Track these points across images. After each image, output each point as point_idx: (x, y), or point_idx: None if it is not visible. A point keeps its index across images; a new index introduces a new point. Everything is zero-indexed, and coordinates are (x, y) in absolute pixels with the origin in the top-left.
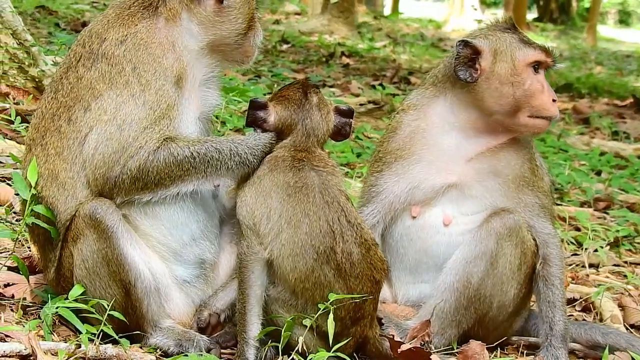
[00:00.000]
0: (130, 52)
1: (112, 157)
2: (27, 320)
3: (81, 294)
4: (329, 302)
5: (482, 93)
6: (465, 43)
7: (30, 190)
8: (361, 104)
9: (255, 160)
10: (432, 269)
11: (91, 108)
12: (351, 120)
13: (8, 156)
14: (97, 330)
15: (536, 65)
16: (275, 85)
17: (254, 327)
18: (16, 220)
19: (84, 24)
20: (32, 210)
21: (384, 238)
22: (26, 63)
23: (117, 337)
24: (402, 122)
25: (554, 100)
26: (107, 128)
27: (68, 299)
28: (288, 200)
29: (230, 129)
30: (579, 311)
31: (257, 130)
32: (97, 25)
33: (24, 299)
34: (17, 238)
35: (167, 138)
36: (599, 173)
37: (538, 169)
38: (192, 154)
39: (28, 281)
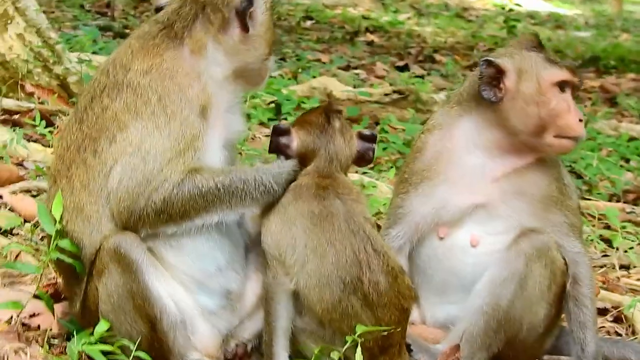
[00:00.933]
0: (155, 82)
1: (136, 190)
2: (52, 354)
3: (107, 329)
4: (356, 333)
5: (507, 113)
6: (489, 62)
7: (55, 225)
8: (386, 94)
9: (279, 189)
10: (460, 290)
11: (116, 140)
12: (374, 145)
13: (34, 161)
14: None
15: (562, 85)
16: (300, 70)
17: (281, 359)
18: (41, 239)
19: (108, 5)
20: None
21: (411, 259)
22: (50, 61)
23: None
24: (428, 143)
25: (580, 120)
26: (132, 160)
27: (93, 334)
28: (313, 230)
29: (255, 124)
30: (610, 322)
31: (281, 157)
32: (121, 54)
33: (50, 329)
34: (42, 269)
35: (191, 170)
36: (628, 160)
37: (566, 188)
38: (217, 185)
39: (53, 314)
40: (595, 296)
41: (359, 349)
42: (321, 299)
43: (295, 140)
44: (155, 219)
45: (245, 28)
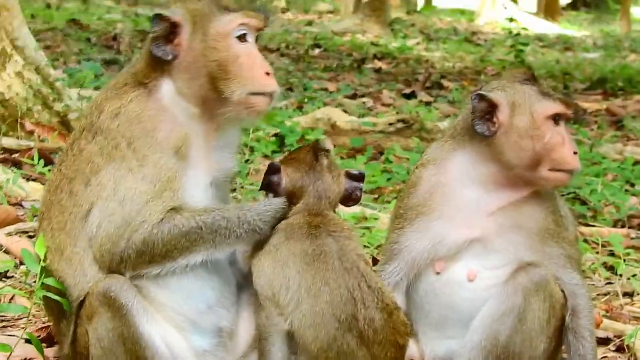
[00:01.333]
0: (123, 126)
1: (116, 233)
2: None
3: None
4: None
5: (501, 147)
6: (481, 97)
7: (39, 264)
8: (390, 124)
9: (265, 227)
10: (459, 325)
11: (91, 183)
12: (362, 184)
13: (32, 201)
14: None
15: (556, 118)
16: (306, 101)
17: None
18: (34, 282)
19: (115, 38)
20: (43, 283)
21: (408, 294)
22: (50, 98)
23: None
24: (422, 177)
25: (575, 153)
26: (109, 204)
27: None
28: (307, 269)
29: (259, 156)
30: (613, 351)
31: (270, 194)
32: (100, 95)
33: None
34: (30, 308)
35: (171, 209)
36: (633, 185)
37: (562, 220)
38: (198, 223)
39: (43, 357)
40: (594, 328)
41: None
42: (316, 338)
43: (284, 178)
44: (137, 260)
45: (167, 57)
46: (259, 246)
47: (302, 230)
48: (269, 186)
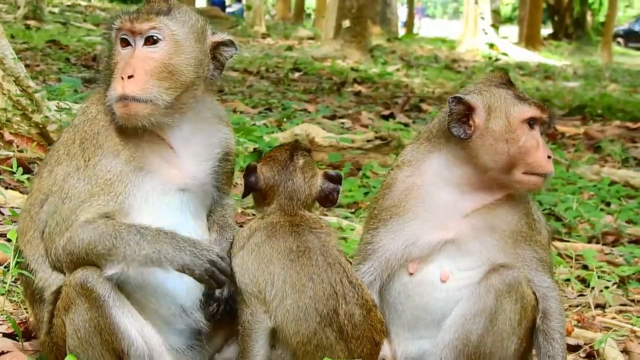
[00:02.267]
0: (81, 124)
1: (54, 231)
2: None
3: None
4: None
5: (476, 150)
6: (458, 99)
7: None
8: (368, 140)
9: (169, 267)
10: (431, 325)
11: (52, 173)
12: (339, 186)
13: (11, 208)
14: None
15: (531, 122)
16: (285, 120)
17: None
18: (14, 281)
19: (94, 58)
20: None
21: (381, 295)
22: (29, 110)
23: None
24: (397, 179)
25: (549, 157)
26: (55, 201)
27: None
28: (291, 266)
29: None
30: (583, 357)
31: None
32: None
33: None
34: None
35: (102, 214)
36: (608, 204)
37: (535, 223)
38: (113, 235)
39: (23, 347)
40: (565, 330)
41: None
42: (297, 332)
43: (260, 176)
44: (66, 258)
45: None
46: (238, 247)
47: (284, 228)
48: (248, 187)
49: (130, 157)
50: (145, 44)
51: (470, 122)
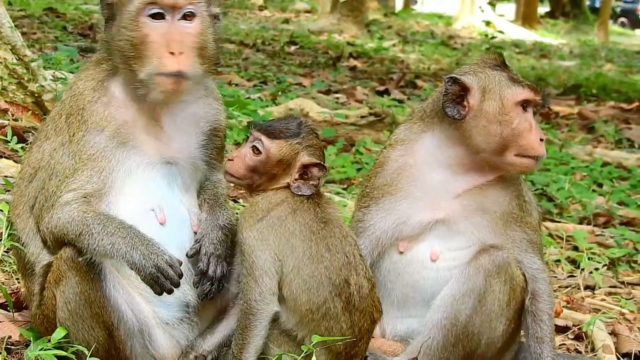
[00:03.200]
0: (69, 99)
1: (43, 206)
2: None
3: (64, 336)
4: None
5: (469, 131)
6: (454, 80)
7: (5, 217)
8: (362, 116)
9: (139, 264)
10: (420, 304)
11: (41, 149)
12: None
13: (4, 177)
14: None
15: (525, 104)
16: (280, 93)
17: None
18: (6, 251)
19: (91, 27)
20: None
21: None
22: (25, 78)
23: None
24: (389, 158)
25: (541, 140)
26: (43, 175)
27: (51, 341)
28: (312, 238)
29: (230, 144)
30: (571, 339)
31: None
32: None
33: (9, 337)
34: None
35: (84, 195)
36: (600, 185)
37: (526, 205)
38: (85, 222)
39: (13, 317)
40: (553, 312)
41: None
42: (309, 300)
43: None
44: (49, 236)
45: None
46: (259, 223)
47: (310, 201)
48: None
49: (115, 132)
50: (181, 18)
51: (465, 103)
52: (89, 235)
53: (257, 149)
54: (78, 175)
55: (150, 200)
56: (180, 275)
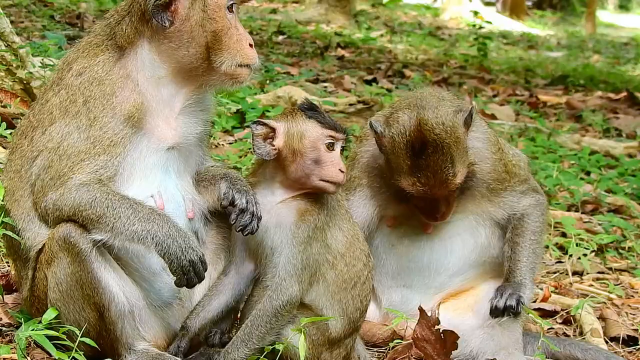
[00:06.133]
0: (84, 85)
1: (47, 184)
2: (1, 342)
3: (55, 317)
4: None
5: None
6: None
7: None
8: (351, 104)
9: (158, 248)
10: (415, 273)
11: (45, 132)
12: None
13: None
14: (69, 357)
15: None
16: (268, 82)
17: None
18: None
19: (79, 16)
20: (3, 222)
21: None
22: (14, 65)
23: None
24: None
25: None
26: (51, 156)
27: (42, 322)
28: (348, 217)
29: (219, 131)
30: (560, 323)
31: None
32: (72, 52)
33: (0, 319)
34: None
35: (98, 179)
36: (588, 173)
37: (510, 161)
38: (106, 203)
39: (3, 299)
40: (542, 237)
41: (301, 338)
42: (348, 275)
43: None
44: (52, 215)
45: (164, 23)
46: (326, 215)
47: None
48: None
49: (137, 120)
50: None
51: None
52: (115, 218)
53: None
54: (94, 160)
55: (150, 185)
56: (205, 271)
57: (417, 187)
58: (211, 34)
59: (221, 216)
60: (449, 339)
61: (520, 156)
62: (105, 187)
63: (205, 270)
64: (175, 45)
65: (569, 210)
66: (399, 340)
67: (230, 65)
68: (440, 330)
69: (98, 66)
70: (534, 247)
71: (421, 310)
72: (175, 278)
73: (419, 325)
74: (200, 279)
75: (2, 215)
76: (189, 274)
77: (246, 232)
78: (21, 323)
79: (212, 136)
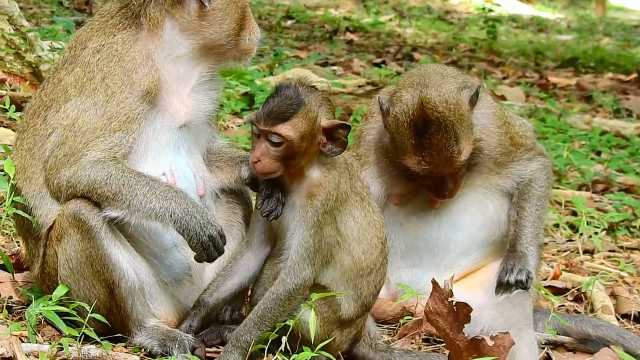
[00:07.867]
0: (102, 61)
1: (61, 161)
2: (12, 320)
3: (66, 294)
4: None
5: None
6: None
7: (9, 182)
8: (359, 86)
9: (173, 225)
10: (424, 251)
11: (60, 110)
12: None
13: (2, 145)
14: (80, 333)
15: None
16: (277, 65)
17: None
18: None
19: (87, 2)
20: (13, 201)
21: None
22: (23, 49)
23: (98, 340)
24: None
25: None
26: (65, 133)
27: (52, 299)
28: (368, 200)
29: (228, 113)
30: (570, 301)
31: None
32: (84, 31)
33: (10, 297)
34: (6, 234)
35: (114, 157)
36: (599, 153)
37: (517, 133)
38: (122, 180)
39: (13, 278)
40: (547, 202)
41: (312, 313)
42: (365, 262)
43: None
44: (65, 192)
45: (201, 2)
46: (342, 198)
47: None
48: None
49: (153, 96)
50: None
51: None
52: (131, 196)
53: (275, 142)
54: (109, 136)
55: (162, 163)
56: (224, 246)
57: (422, 166)
58: (241, 9)
59: (231, 193)
60: (462, 312)
61: (526, 125)
62: (120, 164)
63: (225, 244)
64: (208, 23)
65: (579, 189)
66: (409, 317)
67: (255, 38)
68: (454, 303)
69: (117, 44)
70: (539, 213)
71: (434, 282)
72: (195, 253)
73: (431, 299)
74: (220, 252)
75: (13, 194)
76: (208, 249)
77: (271, 217)
78: (31, 301)
79: (221, 118)
